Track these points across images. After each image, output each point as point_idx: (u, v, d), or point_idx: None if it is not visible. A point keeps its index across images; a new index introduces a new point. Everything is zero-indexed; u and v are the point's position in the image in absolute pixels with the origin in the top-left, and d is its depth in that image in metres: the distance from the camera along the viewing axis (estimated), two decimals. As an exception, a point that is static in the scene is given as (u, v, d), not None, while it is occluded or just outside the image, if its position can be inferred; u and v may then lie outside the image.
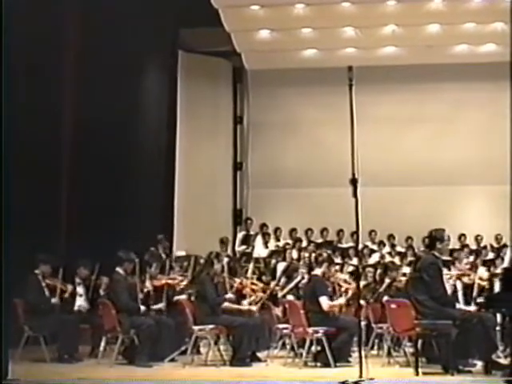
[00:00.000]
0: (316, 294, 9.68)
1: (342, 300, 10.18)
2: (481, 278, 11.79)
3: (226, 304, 10.12)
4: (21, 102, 11.21)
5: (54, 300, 10.25)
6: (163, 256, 12.35)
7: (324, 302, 9.63)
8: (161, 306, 10.56)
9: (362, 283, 11.50)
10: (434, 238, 8.92)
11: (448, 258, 12.47)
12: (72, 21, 13.21)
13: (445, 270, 10.40)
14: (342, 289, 10.95)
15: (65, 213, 13.18)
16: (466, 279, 11.77)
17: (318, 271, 10.03)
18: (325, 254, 10.34)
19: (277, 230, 16.30)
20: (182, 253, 12.74)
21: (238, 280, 10.95)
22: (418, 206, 16.38)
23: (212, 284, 10.11)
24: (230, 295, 10.26)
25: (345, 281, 11.29)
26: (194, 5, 14.35)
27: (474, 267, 12.56)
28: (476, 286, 11.38)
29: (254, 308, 10.42)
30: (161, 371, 9.36)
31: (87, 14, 13.15)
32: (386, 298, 10.68)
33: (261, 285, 11.39)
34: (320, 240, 16.18)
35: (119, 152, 13.94)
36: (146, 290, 10.41)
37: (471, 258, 14.37)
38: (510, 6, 10.38)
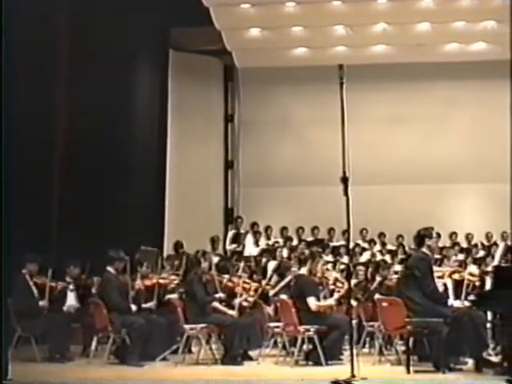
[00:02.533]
0: (304, 295, 9.67)
1: (330, 301, 10.17)
2: (471, 274, 11.82)
3: (215, 304, 10.13)
4: (14, 101, 11.16)
5: (43, 299, 10.21)
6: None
7: (312, 303, 9.61)
8: (151, 304, 10.54)
9: (353, 281, 11.52)
10: (423, 236, 8.96)
11: (438, 256, 12.52)
12: (63, 20, 13.18)
13: (435, 268, 10.45)
14: (330, 282, 10.95)
15: (56, 212, 13.15)
16: (456, 276, 11.80)
17: (303, 270, 10.04)
18: (307, 252, 10.34)
19: (267, 228, 16.30)
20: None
21: (226, 277, 10.92)
22: (409, 205, 16.39)
23: (200, 283, 10.11)
24: (220, 294, 10.25)
25: (336, 279, 11.28)
26: (185, 3, 14.32)
27: (463, 265, 12.60)
28: (466, 282, 11.40)
29: (234, 312, 10.33)
30: (152, 370, 9.35)
31: (78, 14, 13.11)
32: (377, 296, 10.69)
33: (254, 284, 11.37)
34: (311, 238, 16.18)
35: (110, 151, 13.90)
36: (136, 287, 10.40)
37: (461, 256, 14.42)
38: (510, 5, 10.36)
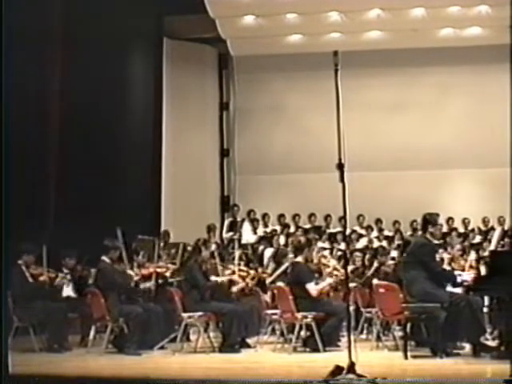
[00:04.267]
0: (302, 282, 9.69)
1: (329, 280, 10.19)
2: (471, 266, 11.83)
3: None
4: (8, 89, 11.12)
5: (41, 289, 10.20)
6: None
7: (311, 288, 9.64)
8: (149, 284, 10.54)
9: (351, 268, 11.53)
10: (427, 222, 8.95)
11: (439, 242, 12.51)
12: (58, 7, 13.13)
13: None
14: (329, 270, 10.96)
15: (52, 201, 13.14)
16: (456, 265, 11.80)
17: (299, 258, 10.05)
18: (302, 239, 10.36)
19: (265, 215, 16.30)
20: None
21: (231, 267, 10.95)
22: (405, 190, 16.40)
23: (200, 271, 10.12)
24: (222, 278, 10.30)
25: (334, 267, 11.29)
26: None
27: (464, 253, 12.60)
28: (466, 271, 11.42)
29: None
30: (150, 359, 9.35)
31: (73, 4, 13.07)
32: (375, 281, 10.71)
33: (252, 272, 11.37)
34: (308, 225, 16.19)
35: (106, 140, 13.90)
36: (134, 278, 10.39)
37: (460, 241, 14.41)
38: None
